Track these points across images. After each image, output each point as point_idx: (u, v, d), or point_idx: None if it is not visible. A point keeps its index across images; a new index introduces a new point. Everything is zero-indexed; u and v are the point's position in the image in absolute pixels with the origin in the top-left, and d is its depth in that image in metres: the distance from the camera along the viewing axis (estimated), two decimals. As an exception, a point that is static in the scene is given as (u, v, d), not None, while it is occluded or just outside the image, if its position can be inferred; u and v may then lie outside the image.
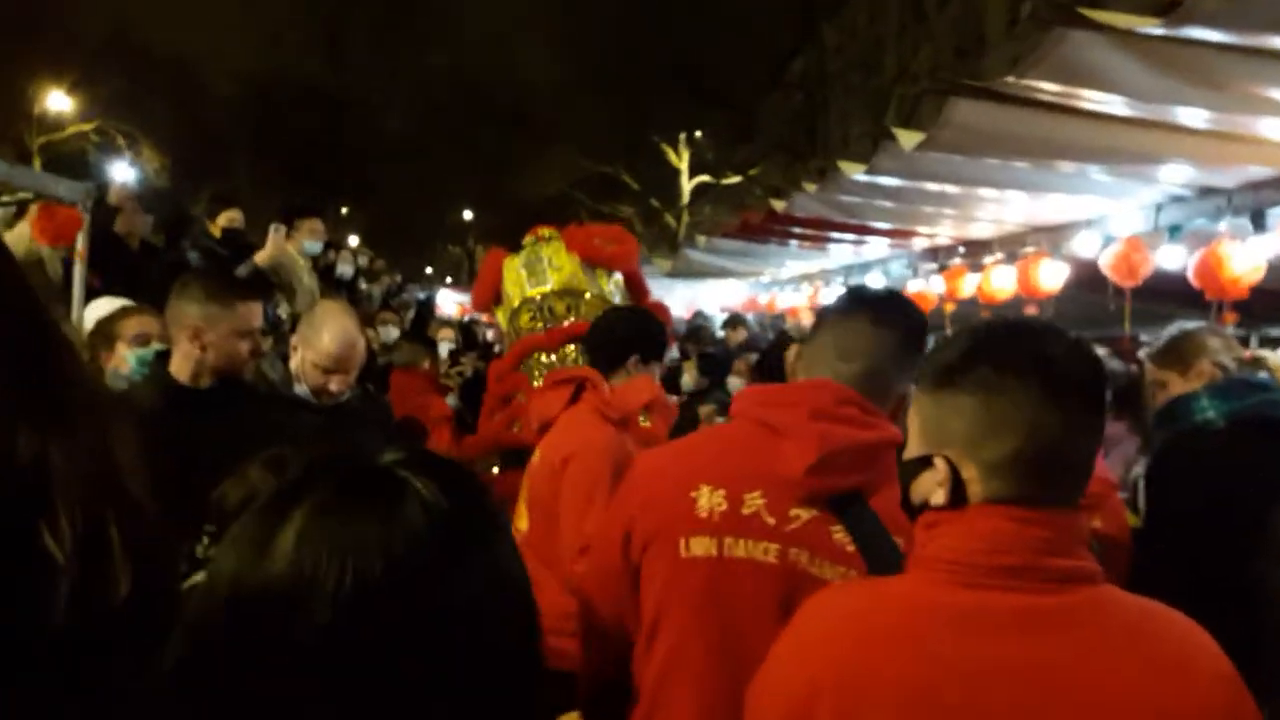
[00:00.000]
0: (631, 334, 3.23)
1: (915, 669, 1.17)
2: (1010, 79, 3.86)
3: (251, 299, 2.74)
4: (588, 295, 4.49)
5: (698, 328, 9.51)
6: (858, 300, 1.85)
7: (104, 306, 3.81)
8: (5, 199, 4.95)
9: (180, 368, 2.67)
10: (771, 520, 1.63)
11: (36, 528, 0.97)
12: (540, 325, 4.41)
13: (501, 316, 4.73)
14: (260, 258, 5.53)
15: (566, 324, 4.36)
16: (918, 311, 1.88)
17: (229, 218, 6.35)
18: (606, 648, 1.88)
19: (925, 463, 1.26)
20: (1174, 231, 5.66)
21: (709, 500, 1.66)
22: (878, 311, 1.79)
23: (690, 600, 1.66)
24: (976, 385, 1.20)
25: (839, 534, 1.61)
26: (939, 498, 1.24)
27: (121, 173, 6.26)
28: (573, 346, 4.28)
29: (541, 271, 4.56)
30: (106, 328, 3.38)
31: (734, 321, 9.34)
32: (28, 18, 27.53)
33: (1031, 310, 6.95)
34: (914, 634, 1.20)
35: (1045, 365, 1.18)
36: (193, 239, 6.56)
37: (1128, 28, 3.33)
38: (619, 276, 4.72)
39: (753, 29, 34.76)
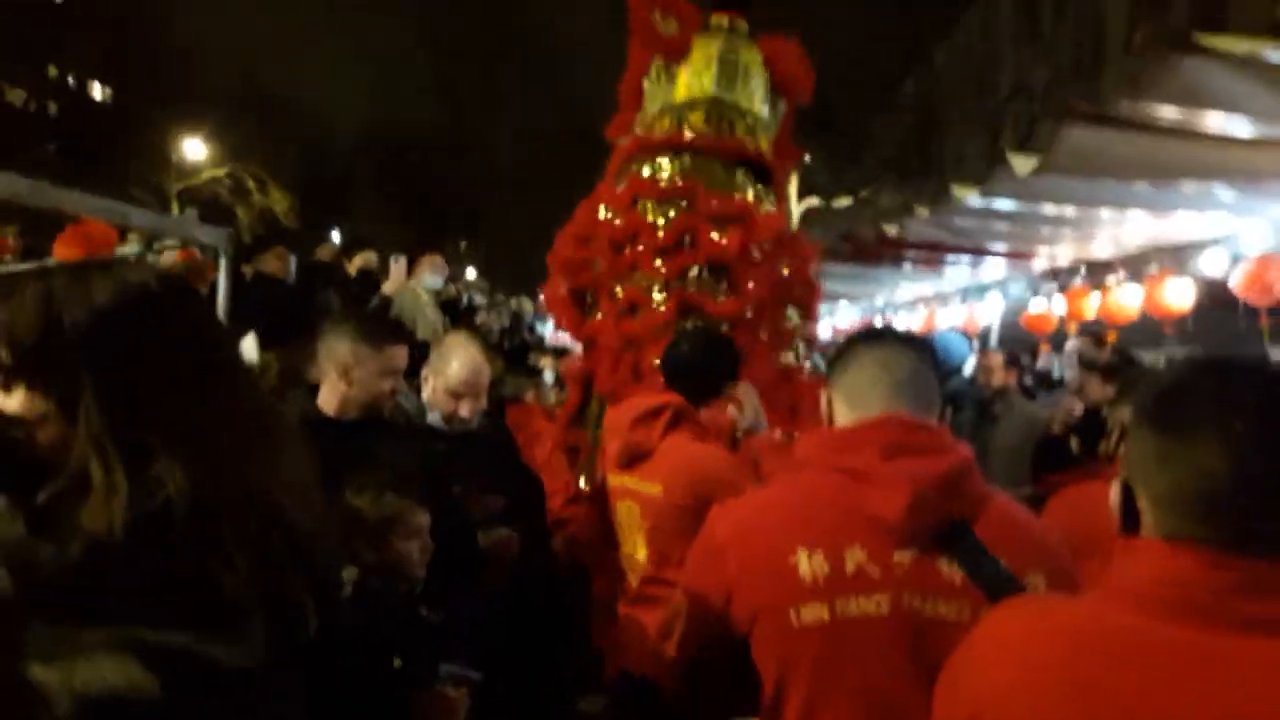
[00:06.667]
0: (729, 365, 3.16)
1: (1071, 695, 1.15)
2: (1126, 103, 3.81)
3: (398, 342, 2.92)
4: (749, 122, 4.42)
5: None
6: (874, 334, 1.91)
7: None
8: (156, 246, 5.33)
9: (327, 401, 2.86)
10: (876, 571, 1.60)
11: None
12: (711, 131, 4.34)
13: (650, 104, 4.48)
14: (386, 288, 5.89)
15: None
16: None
17: (365, 259, 6.74)
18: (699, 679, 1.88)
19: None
20: (1307, 249, 5.48)
21: (809, 565, 1.62)
22: (900, 338, 1.85)
23: (812, 668, 1.62)
24: (1154, 419, 1.20)
25: (946, 568, 1.60)
26: (1114, 522, 1.25)
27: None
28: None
29: (734, 76, 4.41)
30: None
31: None
32: (168, 77, 29.77)
33: (1168, 331, 6.73)
34: (1074, 660, 1.17)
35: (1221, 409, 1.14)
36: (326, 278, 6.95)
37: (1248, 53, 3.24)
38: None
39: (862, 52, 34.44)
